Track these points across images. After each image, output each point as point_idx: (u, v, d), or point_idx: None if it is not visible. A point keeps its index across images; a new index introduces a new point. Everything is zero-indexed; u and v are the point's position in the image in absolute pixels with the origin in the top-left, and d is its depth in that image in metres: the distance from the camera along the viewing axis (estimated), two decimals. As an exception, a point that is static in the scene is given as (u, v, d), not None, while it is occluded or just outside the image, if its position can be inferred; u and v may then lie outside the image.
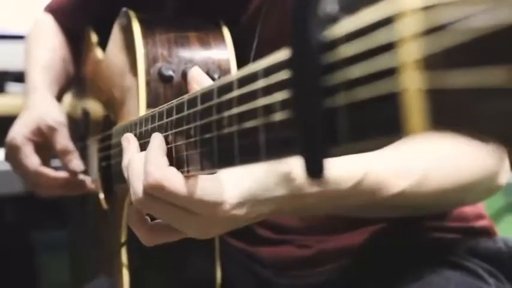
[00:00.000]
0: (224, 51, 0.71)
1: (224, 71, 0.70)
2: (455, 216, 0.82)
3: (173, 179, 0.48)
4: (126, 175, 0.54)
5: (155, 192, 0.49)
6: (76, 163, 0.90)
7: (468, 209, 0.83)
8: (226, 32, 0.73)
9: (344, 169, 0.54)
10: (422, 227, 0.81)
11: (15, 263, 1.56)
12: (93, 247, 1.00)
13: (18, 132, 0.90)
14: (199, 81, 0.53)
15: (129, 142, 0.58)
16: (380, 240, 0.81)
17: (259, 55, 0.71)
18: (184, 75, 0.68)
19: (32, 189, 0.95)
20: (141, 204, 0.51)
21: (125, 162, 0.56)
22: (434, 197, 0.62)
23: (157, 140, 0.52)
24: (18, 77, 1.26)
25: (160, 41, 0.71)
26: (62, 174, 0.91)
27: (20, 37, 1.31)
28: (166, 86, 0.68)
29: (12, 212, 1.60)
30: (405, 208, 0.65)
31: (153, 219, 0.56)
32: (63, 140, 0.90)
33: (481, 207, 0.86)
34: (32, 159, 0.89)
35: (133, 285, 0.75)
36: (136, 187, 0.50)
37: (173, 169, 0.49)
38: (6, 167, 0.99)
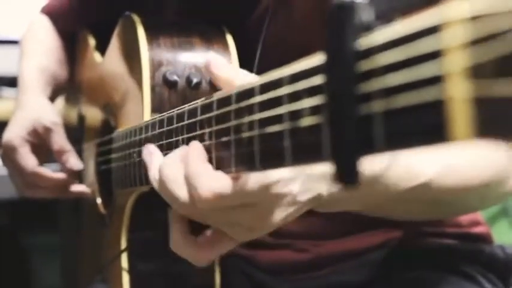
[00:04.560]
0: (227, 58, 0.71)
1: None
2: (451, 222, 0.83)
3: (224, 184, 0.46)
4: (156, 186, 0.52)
5: (212, 204, 0.47)
6: (74, 161, 0.91)
7: (463, 216, 0.84)
8: (229, 38, 0.73)
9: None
10: (420, 232, 0.81)
11: (7, 266, 1.55)
12: (87, 251, 0.99)
13: (14, 134, 0.90)
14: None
15: (152, 155, 0.56)
16: (378, 245, 0.82)
17: (264, 59, 0.72)
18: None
19: (24, 193, 0.94)
20: (190, 212, 0.50)
21: (153, 173, 0.53)
22: (456, 192, 0.61)
23: (196, 149, 0.49)
24: (13, 82, 1.25)
25: (165, 45, 0.70)
26: (59, 175, 0.90)
27: (14, 42, 1.31)
28: (170, 91, 0.68)
29: (3, 216, 1.59)
30: (426, 205, 0.63)
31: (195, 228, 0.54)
32: (59, 140, 0.90)
33: (477, 213, 0.86)
34: (29, 160, 0.89)
35: None
36: (182, 195, 0.48)
37: (220, 173, 0.47)
38: (-1, 171, 0.98)
